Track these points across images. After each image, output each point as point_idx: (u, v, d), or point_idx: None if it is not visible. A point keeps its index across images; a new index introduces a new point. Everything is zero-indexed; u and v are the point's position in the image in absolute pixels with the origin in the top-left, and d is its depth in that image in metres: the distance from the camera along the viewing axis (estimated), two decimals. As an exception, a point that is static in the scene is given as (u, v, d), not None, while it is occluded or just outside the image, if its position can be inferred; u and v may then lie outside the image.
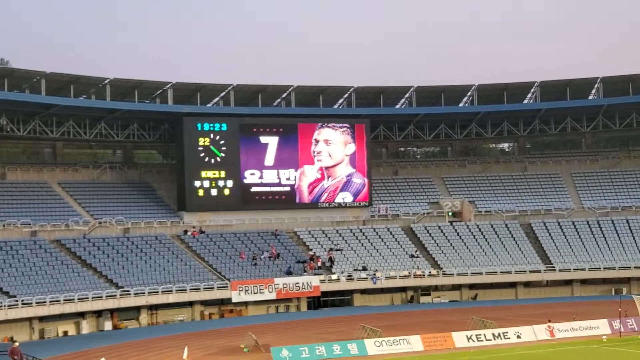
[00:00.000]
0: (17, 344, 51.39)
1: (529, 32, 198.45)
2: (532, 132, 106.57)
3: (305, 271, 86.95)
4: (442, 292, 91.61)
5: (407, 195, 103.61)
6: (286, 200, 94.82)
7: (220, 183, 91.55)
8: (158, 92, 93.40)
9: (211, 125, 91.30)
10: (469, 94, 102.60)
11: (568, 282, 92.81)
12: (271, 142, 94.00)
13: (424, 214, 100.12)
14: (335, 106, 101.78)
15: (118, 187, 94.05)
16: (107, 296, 74.36)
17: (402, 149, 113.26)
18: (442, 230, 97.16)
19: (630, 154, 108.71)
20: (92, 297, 73.24)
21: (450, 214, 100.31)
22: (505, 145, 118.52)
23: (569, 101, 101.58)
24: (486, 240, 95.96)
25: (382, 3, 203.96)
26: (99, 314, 75.27)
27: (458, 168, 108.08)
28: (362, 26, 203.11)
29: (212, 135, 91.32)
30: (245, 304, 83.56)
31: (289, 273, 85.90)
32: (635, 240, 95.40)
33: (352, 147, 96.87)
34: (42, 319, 71.57)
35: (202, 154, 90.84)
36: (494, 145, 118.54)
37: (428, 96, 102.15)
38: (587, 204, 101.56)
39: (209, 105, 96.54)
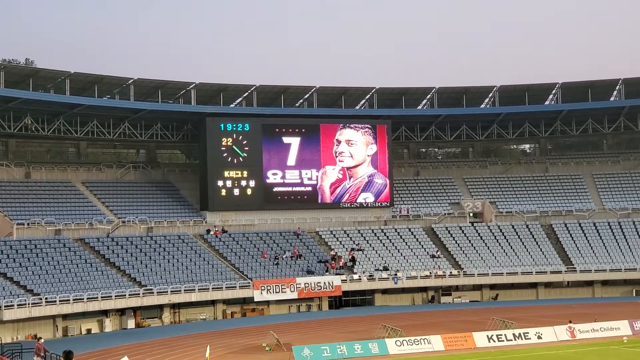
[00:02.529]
0: (42, 340, 51.95)
1: (549, 34, 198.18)
2: (553, 133, 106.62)
3: (327, 271, 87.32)
4: (462, 292, 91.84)
5: (428, 196, 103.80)
6: (308, 200, 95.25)
7: (243, 183, 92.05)
8: (181, 93, 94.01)
9: (234, 125, 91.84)
10: (490, 95, 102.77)
11: (589, 283, 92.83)
12: (293, 142, 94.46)
13: (445, 214, 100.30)
14: (357, 107, 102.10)
15: (141, 186, 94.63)
16: (130, 295, 74.90)
17: (423, 150, 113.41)
18: (463, 231, 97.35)
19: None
20: (115, 296, 73.76)
21: (471, 214, 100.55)
22: (526, 146, 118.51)
23: (591, 102, 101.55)
24: (507, 241, 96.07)
25: (404, 4, 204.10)
26: (122, 312, 75.88)
27: (479, 169, 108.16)
28: (384, 27, 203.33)
29: (234, 136, 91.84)
30: (267, 303, 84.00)
31: (309, 272, 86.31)
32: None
33: (373, 148, 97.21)
34: (65, 316, 72.24)
35: (224, 154, 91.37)
36: (515, 146, 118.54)
37: (450, 97, 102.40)
38: (609, 205, 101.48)
39: (231, 105, 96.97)
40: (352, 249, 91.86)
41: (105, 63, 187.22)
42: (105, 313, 74.60)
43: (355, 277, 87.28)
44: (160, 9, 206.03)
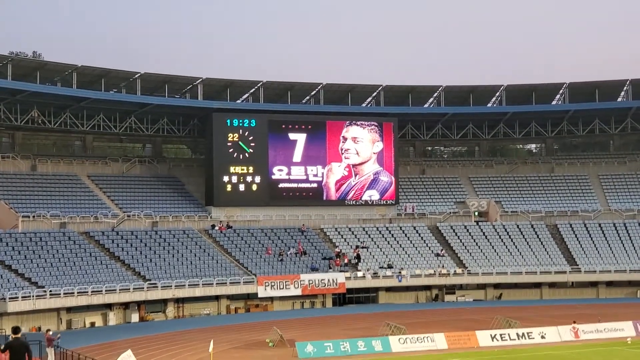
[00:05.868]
0: (50, 332, 52.17)
1: (557, 33, 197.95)
2: (559, 133, 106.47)
3: (330, 268, 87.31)
4: (466, 291, 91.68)
5: (433, 194, 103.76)
6: (313, 196, 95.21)
7: (249, 178, 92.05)
8: (188, 88, 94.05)
9: (240, 121, 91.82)
10: (497, 94, 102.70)
11: (593, 284, 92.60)
12: (299, 139, 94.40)
13: (450, 213, 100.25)
14: (364, 104, 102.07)
15: (147, 181, 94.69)
16: (134, 288, 74.98)
17: (429, 148, 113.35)
18: (468, 230, 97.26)
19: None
20: (120, 289, 73.81)
21: (476, 213, 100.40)
22: (532, 146, 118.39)
23: (598, 103, 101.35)
24: (512, 241, 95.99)
25: (413, 2, 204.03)
26: (126, 306, 75.96)
27: (485, 168, 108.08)
28: (390, 25, 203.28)
29: (241, 131, 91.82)
30: (271, 299, 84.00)
31: (313, 269, 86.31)
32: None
33: (379, 145, 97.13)
34: (69, 309, 72.26)
35: (230, 150, 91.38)
36: (521, 145, 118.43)
37: (457, 96, 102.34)
38: (614, 205, 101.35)
39: (238, 101, 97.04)
40: (357, 247, 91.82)
41: (113, 57, 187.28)
42: (109, 306, 74.63)
43: (360, 274, 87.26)
44: (168, 5, 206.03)
